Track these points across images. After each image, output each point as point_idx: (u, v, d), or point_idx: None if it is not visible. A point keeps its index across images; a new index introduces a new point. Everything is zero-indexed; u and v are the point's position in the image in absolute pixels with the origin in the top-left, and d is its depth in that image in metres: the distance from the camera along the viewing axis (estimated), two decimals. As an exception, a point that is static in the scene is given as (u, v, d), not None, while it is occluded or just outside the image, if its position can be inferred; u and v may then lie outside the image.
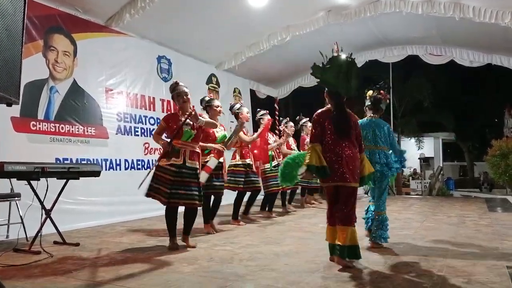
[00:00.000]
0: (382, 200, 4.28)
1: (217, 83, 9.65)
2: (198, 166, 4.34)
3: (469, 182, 22.10)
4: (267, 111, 6.66)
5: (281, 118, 7.30)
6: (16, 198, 4.64)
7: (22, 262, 3.60)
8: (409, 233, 5.05)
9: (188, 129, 4.25)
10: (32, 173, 3.97)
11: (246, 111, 5.91)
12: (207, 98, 5.37)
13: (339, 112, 3.57)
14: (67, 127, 5.86)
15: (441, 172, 10.64)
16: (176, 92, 4.42)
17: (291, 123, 7.58)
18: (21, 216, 4.58)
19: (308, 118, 7.81)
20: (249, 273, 3.23)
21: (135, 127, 7.10)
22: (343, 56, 3.72)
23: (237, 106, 5.94)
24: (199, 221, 5.40)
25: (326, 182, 3.49)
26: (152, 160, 7.32)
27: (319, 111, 3.69)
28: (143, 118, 7.30)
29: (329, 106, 3.69)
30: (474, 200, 9.94)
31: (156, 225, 5.86)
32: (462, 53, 9.64)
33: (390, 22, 8.51)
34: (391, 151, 4.38)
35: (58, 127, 5.74)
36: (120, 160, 6.66)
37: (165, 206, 4.22)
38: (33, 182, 4.08)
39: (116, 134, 6.69)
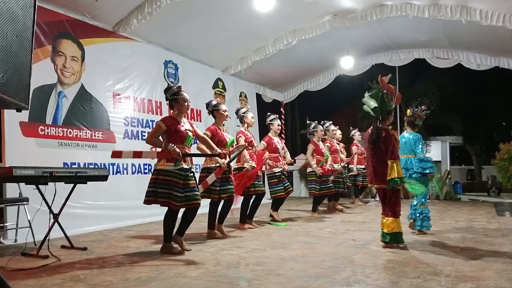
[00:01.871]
0: (423, 195, 5.29)
1: (224, 88, 9.68)
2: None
3: (477, 186, 21.88)
4: (277, 116, 6.62)
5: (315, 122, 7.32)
6: (25, 203, 4.69)
7: (30, 266, 3.62)
8: (417, 237, 5.02)
9: (190, 134, 4.28)
10: (41, 178, 3.99)
11: (251, 116, 5.89)
12: (213, 102, 5.31)
13: (374, 130, 4.44)
14: (75, 132, 5.90)
15: (449, 176, 10.54)
16: (181, 97, 4.30)
17: (333, 127, 7.87)
18: (29, 221, 4.61)
19: (331, 122, 7.91)
20: (256, 278, 3.23)
21: (142, 132, 7.13)
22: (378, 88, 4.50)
23: (243, 110, 5.92)
24: (198, 227, 5.45)
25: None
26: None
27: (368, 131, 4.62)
28: (150, 123, 7.34)
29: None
30: (482, 204, 9.85)
31: (162, 229, 5.87)
32: (469, 56, 9.61)
33: (397, 25, 8.50)
34: (428, 157, 5.28)
35: (66, 131, 5.78)
36: (127, 164, 6.70)
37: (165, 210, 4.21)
38: (41, 187, 4.11)
39: (124, 138, 6.73)
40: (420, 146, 5.20)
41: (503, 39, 8.02)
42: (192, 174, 4.24)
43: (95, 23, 6.38)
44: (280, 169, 6.37)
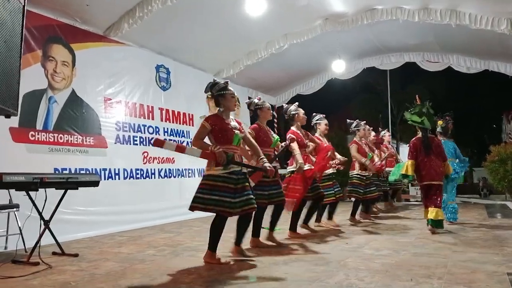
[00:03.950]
0: (452, 193, 6.44)
1: (216, 92, 9.66)
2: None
3: (468, 188, 22.06)
4: (324, 115, 6.18)
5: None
6: (15, 209, 4.62)
7: (21, 273, 3.57)
8: (409, 240, 5.04)
9: (238, 132, 3.94)
10: (31, 184, 3.95)
11: (303, 112, 5.35)
12: (256, 100, 4.88)
13: (426, 138, 5.68)
14: (66, 137, 5.86)
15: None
16: (229, 93, 4.00)
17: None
18: (19, 227, 4.55)
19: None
20: (249, 283, 3.21)
21: (134, 136, 7.10)
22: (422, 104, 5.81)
23: (292, 108, 5.38)
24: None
25: (421, 182, 5.64)
26: (151, 169, 7.32)
27: (415, 139, 5.79)
28: (142, 127, 7.31)
29: (419, 135, 5.78)
30: (473, 206, 9.92)
31: (155, 234, 5.84)
32: (459, 59, 9.72)
33: (387, 29, 8.57)
34: (457, 160, 6.47)
35: (57, 137, 5.73)
36: (119, 169, 6.65)
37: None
38: (32, 193, 4.07)
39: (115, 143, 6.69)
40: (457, 152, 6.55)
41: (492, 42, 8.12)
42: (244, 176, 3.93)
43: (86, 27, 6.35)
44: (333, 171, 6.09)
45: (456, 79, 15.98)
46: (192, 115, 8.65)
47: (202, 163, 8.64)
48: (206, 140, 3.95)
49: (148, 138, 7.38)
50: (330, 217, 6.32)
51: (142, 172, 7.12)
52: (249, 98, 5.06)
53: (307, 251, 4.44)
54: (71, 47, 6.10)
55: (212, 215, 3.90)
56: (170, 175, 7.77)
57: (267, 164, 4.07)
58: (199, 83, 9.08)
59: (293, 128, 5.34)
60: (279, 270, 3.59)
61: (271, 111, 4.87)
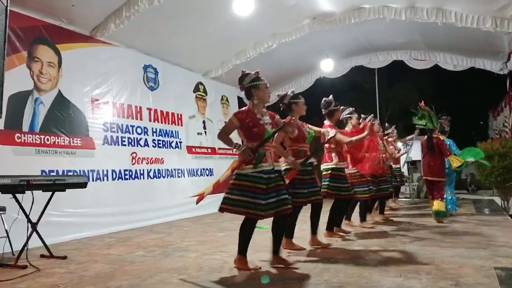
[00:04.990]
0: (451, 186, 7.39)
1: (205, 91, 9.65)
2: (281, 168, 3.85)
3: (456, 184, 22.28)
4: (354, 109, 5.90)
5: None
6: (1, 212, 4.54)
7: (8, 277, 3.53)
8: (398, 236, 5.08)
9: (269, 128, 3.62)
10: (17, 186, 3.91)
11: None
12: (290, 93, 4.50)
13: (429, 138, 6.53)
14: (53, 139, 5.79)
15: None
16: (263, 83, 3.67)
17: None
18: (6, 230, 4.48)
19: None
20: (239, 282, 3.22)
21: (122, 137, 7.05)
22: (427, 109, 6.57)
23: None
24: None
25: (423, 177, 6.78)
26: (140, 170, 7.28)
27: (422, 139, 6.84)
28: (130, 128, 7.26)
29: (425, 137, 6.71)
30: (461, 201, 10.02)
31: (145, 235, 5.81)
32: (446, 57, 9.81)
33: (375, 28, 8.61)
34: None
35: (44, 138, 5.67)
36: (107, 170, 6.60)
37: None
38: (19, 195, 4.02)
39: (103, 144, 6.63)
40: (454, 148, 7.12)
41: (478, 40, 8.22)
42: (277, 175, 3.63)
43: (72, 28, 6.29)
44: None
45: (443, 77, 16.17)
46: (180, 115, 8.62)
47: (191, 163, 8.56)
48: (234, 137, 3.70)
49: (137, 138, 7.33)
50: (348, 217, 6.08)
51: (130, 173, 7.07)
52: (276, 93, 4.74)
53: (298, 250, 4.44)
54: (57, 48, 6.03)
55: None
56: (159, 175, 7.73)
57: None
58: (188, 83, 9.10)
59: (330, 123, 5.06)
60: (268, 269, 3.59)
61: (305, 106, 4.54)
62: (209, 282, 3.23)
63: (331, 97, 5.14)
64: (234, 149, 3.57)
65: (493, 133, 15.15)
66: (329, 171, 5.07)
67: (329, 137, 4.76)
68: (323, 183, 5.02)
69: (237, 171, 3.53)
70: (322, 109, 5.14)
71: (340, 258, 3.95)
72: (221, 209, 3.53)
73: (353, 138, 5.08)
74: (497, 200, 9.60)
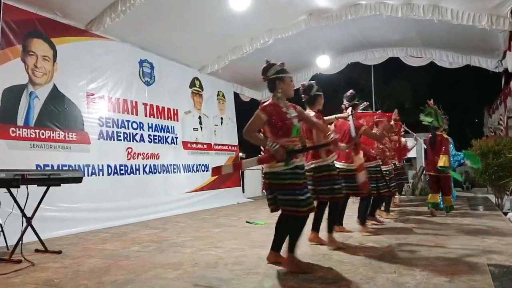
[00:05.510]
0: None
1: (201, 87, 9.63)
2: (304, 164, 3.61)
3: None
4: (368, 103, 5.93)
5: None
6: (-4, 206, 4.54)
7: (3, 271, 3.52)
8: (392, 233, 5.10)
9: (296, 122, 3.43)
10: (12, 181, 3.88)
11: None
12: (315, 86, 4.41)
13: (433, 135, 6.78)
14: (48, 133, 5.77)
15: (424, 172, 10.78)
16: (288, 76, 3.51)
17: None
18: (1, 225, 4.47)
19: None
20: (234, 278, 3.22)
21: (117, 132, 7.03)
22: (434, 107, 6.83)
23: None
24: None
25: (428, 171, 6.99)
26: (136, 165, 7.26)
27: (426, 136, 7.12)
28: (126, 123, 7.24)
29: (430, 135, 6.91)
30: (456, 198, 10.08)
31: (140, 231, 5.80)
32: (442, 54, 9.86)
33: (371, 25, 8.62)
34: (458, 153, 7.81)
35: (38, 133, 5.64)
36: (102, 165, 6.59)
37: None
38: (13, 190, 4.00)
39: (98, 139, 6.61)
40: (451, 146, 7.34)
41: (473, 38, 8.25)
42: (304, 172, 3.48)
43: (67, 21, 6.25)
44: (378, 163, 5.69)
45: (438, 74, 16.20)
46: (176, 110, 8.60)
47: (187, 159, 8.55)
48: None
49: (132, 133, 7.32)
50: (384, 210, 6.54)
51: (126, 168, 7.05)
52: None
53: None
54: (52, 42, 6.00)
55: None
56: (155, 170, 7.72)
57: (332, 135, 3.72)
58: (184, 78, 9.07)
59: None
60: (264, 265, 3.60)
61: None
62: (204, 278, 3.23)
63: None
64: (267, 147, 3.27)
65: (487, 130, 15.21)
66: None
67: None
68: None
69: (267, 170, 3.37)
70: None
71: (333, 254, 3.97)
72: (271, 210, 3.47)
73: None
74: (492, 197, 9.65)
